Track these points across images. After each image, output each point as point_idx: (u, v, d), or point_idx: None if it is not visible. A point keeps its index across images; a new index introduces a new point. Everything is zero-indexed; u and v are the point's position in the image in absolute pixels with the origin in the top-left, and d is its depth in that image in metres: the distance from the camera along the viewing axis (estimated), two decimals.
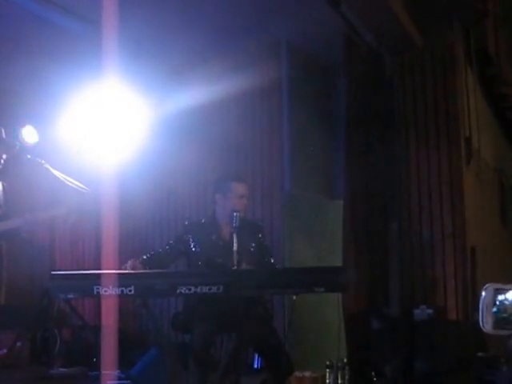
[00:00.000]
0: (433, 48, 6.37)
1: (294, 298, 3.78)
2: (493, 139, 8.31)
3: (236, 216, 3.88)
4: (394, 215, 6.17)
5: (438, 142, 6.27)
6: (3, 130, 4.37)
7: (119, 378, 4.31)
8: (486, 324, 1.96)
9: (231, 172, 5.50)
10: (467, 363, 5.50)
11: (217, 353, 3.87)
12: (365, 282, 5.99)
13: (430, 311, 5.72)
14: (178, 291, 3.47)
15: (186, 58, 6.26)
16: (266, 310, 4.09)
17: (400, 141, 6.36)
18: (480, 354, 5.69)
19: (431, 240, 6.16)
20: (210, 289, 3.44)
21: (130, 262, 3.81)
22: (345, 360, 5.49)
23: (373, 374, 5.46)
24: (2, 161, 4.37)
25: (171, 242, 4.22)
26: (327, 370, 5.42)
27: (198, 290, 3.45)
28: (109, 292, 3.39)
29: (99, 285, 3.39)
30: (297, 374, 5.05)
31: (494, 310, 1.94)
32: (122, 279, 3.44)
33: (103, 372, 3.68)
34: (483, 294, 1.97)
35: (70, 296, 3.54)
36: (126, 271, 3.69)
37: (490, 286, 1.97)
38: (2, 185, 4.51)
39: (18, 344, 5.66)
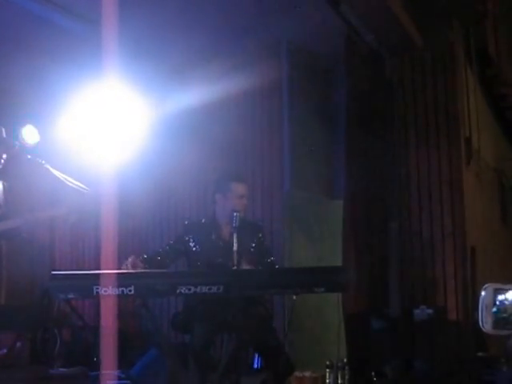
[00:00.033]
0: (433, 48, 6.38)
1: (294, 297, 3.78)
2: (493, 139, 8.32)
3: (236, 216, 3.88)
4: (393, 215, 6.17)
5: (438, 141, 6.28)
6: (3, 130, 4.37)
7: (119, 378, 4.31)
8: (486, 324, 1.96)
9: (231, 172, 5.47)
10: (467, 363, 5.50)
11: (217, 353, 3.87)
12: (365, 282, 6.00)
13: (429, 311, 5.72)
14: (178, 291, 3.47)
15: (186, 57, 6.26)
16: (266, 310, 4.08)
17: (400, 141, 6.37)
18: (480, 353, 5.69)
19: (431, 240, 6.16)
20: (209, 289, 3.43)
21: (130, 259, 3.80)
22: (345, 360, 5.49)
23: (373, 374, 5.46)
24: (2, 161, 4.37)
25: (171, 242, 4.21)
26: (327, 370, 5.42)
27: (198, 290, 3.45)
28: (108, 292, 3.39)
29: (99, 285, 3.39)
30: (297, 373, 5.05)
31: (494, 310, 1.95)
32: (122, 279, 3.44)
33: (103, 372, 3.68)
34: (482, 293, 1.97)
35: (70, 296, 3.54)
36: (126, 271, 3.68)
37: (490, 286, 1.97)
38: (2, 184, 4.51)
39: (18, 344, 5.65)
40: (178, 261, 4.27)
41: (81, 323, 5.98)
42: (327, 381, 5.41)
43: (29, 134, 4.77)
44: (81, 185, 4.35)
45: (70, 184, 4.32)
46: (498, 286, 1.98)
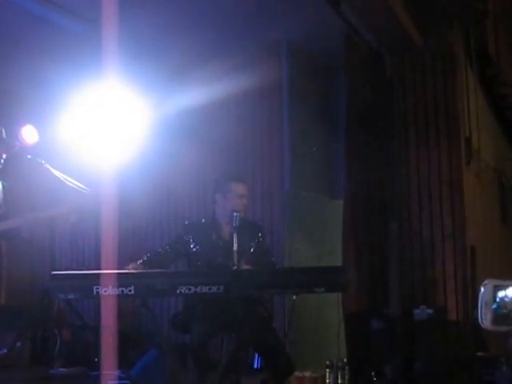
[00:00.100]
0: (433, 48, 6.37)
1: (294, 297, 3.78)
2: (493, 139, 8.32)
3: (236, 216, 3.88)
4: (394, 215, 6.17)
5: (438, 141, 6.27)
6: (3, 130, 4.37)
7: (119, 378, 4.31)
8: (485, 320, 1.97)
9: (231, 172, 5.47)
10: (467, 363, 5.50)
11: (217, 353, 3.87)
12: (365, 282, 5.99)
13: (429, 311, 5.72)
14: (178, 291, 3.47)
15: (186, 58, 6.26)
16: (266, 310, 4.08)
17: (400, 141, 6.36)
18: (480, 353, 5.69)
19: (431, 240, 6.16)
20: (210, 289, 3.44)
21: (130, 266, 3.81)
22: (345, 360, 5.49)
23: (373, 373, 5.46)
24: (2, 160, 4.36)
25: (171, 242, 4.21)
26: (327, 370, 5.42)
27: (198, 290, 3.45)
28: (109, 292, 3.39)
29: (99, 285, 3.39)
30: (297, 373, 5.05)
31: (494, 306, 1.95)
32: (122, 279, 3.44)
33: (103, 372, 3.68)
34: (482, 290, 1.98)
35: (70, 296, 3.54)
36: (126, 271, 3.68)
37: (489, 283, 1.98)
38: (2, 184, 4.50)
39: (18, 344, 5.66)
40: (178, 261, 4.27)
41: (81, 323, 5.98)
42: (327, 381, 5.41)
43: (28, 134, 4.76)
44: (81, 185, 4.35)
45: (70, 184, 4.32)
46: (498, 282, 1.98)
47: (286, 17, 5.80)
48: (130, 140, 4.99)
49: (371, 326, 5.74)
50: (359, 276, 5.90)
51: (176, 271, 4.39)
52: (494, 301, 1.95)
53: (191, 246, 4.10)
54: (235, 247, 3.76)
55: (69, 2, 5.39)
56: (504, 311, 1.95)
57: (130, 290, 3.42)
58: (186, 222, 4.24)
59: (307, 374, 5.34)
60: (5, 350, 5.52)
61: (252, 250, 4.09)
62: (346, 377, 5.40)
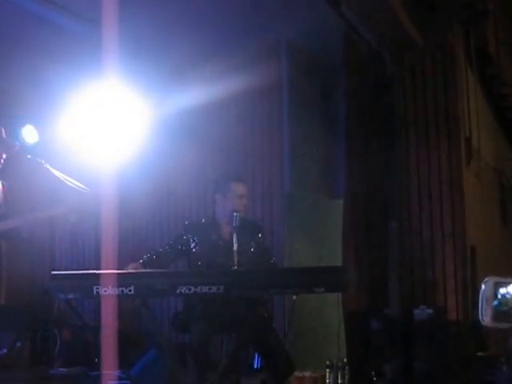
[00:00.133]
0: (433, 48, 6.37)
1: (294, 297, 3.78)
2: (493, 139, 8.32)
3: (236, 216, 3.88)
4: (393, 215, 6.16)
5: (438, 141, 6.27)
6: (3, 130, 4.36)
7: (119, 378, 4.31)
8: (485, 317, 1.96)
9: (231, 172, 5.49)
10: (467, 363, 5.50)
11: (217, 353, 3.87)
12: (365, 282, 5.99)
13: (429, 311, 5.71)
14: (177, 291, 3.47)
15: (186, 57, 6.26)
16: (266, 310, 4.08)
17: (400, 141, 6.36)
18: (480, 353, 5.69)
19: (431, 240, 6.16)
20: (210, 289, 3.44)
21: (130, 266, 3.81)
22: (345, 360, 5.49)
23: (373, 373, 5.46)
24: (2, 160, 4.36)
25: (171, 242, 4.21)
26: (327, 370, 5.42)
27: (198, 289, 3.45)
28: (109, 292, 3.39)
29: (99, 285, 3.39)
30: (297, 373, 5.05)
31: (495, 303, 1.95)
32: (122, 279, 3.44)
33: (103, 372, 3.68)
34: (483, 287, 1.98)
35: (70, 296, 3.54)
36: (126, 271, 3.68)
37: (490, 280, 1.98)
38: (2, 184, 4.50)
39: (18, 344, 5.66)
40: (178, 261, 4.27)
41: (81, 323, 5.98)
42: (327, 381, 5.41)
43: (28, 134, 4.77)
44: (81, 185, 4.35)
45: (70, 184, 4.32)
46: (499, 279, 1.98)
47: (285, 17, 5.80)
48: (130, 140, 4.99)
49: (371, 326, 5.74)
50: (359, 276, 5.90)
51: (176, 271, 4.39)
52: (495, 297, 1.95)
53: (191, 246, 4.09)
54: (235, 247, 3.76)
55: (69, 2, 5.39)
56: (505, 308, 1.95)
57: (129, 290, 3.42)
58: (186, 222, 4.24)
59: (307, 373, 5.34)
60: (5, 350, 5.52)
61: (252, 250, 4.09)
62: (346, 377, 5.40)
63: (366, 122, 6.31)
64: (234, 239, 3.78)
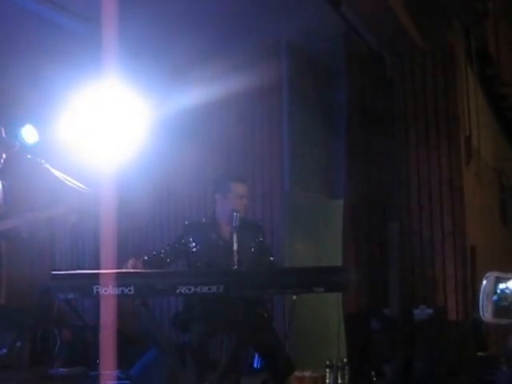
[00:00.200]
0: (433, 48, 6.37)
1: (294, 297, 3.78)
2: (493, 139, 8.32)
3: (236, 216, 3.88)
4: (393, 215, 6.16)
5: (438, 141, 6.27)
6: (3, 130, 4.37)
7: (119, 378, 4.31)
8: (486, 312, 1.96)
9: (231, 172, 5.48)
10: (467, 363, 5.50)
11: (217, 353, 3.87)
12: (365, 282, 5.99)
13: (429, 311, 5.72)
14: (177, 291, 3.46)
15: (186, 57, 6.25)
16: (266, 310, 4.08)
17: (400, 141, 6.36)
18: (480, 353, 5.69)
19: (431, 240, 6.16)
20: (210, 289, 3.43)
21: (130, 262, 3.80)
22: (345, 360, 5.49)
23: (373, 373, 5.46)
24: (2, 160, 4.36)
25: (171, 242, 4.21)
26: (327, 370, 5.42)
27: (198, 289, 3.44)
28: (108, 292, 3.38)
29: (99, 284, 3.38)
30: (297, 373, 5.05)
31: (495, 298, 1.94)
32: (122, 279, 3.44)
33: (103, 372, 3.68)
34: (484, 282, 1.97)
35: (70, 296, 3.53)
36: (126, 270, 3.68)
37: (491, 275, 1.97)
38: (2, 184, 4.50)
39: (18, 344, 5.65)
40: (178, 261, 4.27)
41: (81, 323, 5.98)
42: (327, 381, 5.41)
43: (28, 134, 4.77)
44: (80, 185, 4.35)
45: (70, 184, 4.32)
46: (500, 274, 1.98)
47: (285, 17, 5.80)
48: (130, 140, 4.99)
49: (371, 325, 5.74)
50: (359, 276, 5.90)
51: (176, 271, 4.39)
52: (495, 293, 1.95)
53: (191, 246, 4.09)
54: (235, 247, 3.76)
55: (69, 2, 5.39)
56: (505, 303, 1.95)
57: (129, 290, 3.42)
58: (186, 222, 4.24)
59: (307, 373, 5.34)
60: (5, 350, 5.52)
61: (252, 250, 4.09)
62: (346, 377, 5.40)
63: (366, 122, 6.30)
64: (234, 239, 3.78)
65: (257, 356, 5.25)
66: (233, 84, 6.01)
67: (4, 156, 4.37)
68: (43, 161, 4.33)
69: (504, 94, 8.27)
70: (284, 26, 5.98)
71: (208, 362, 3.81)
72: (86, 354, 5.72)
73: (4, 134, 4.37)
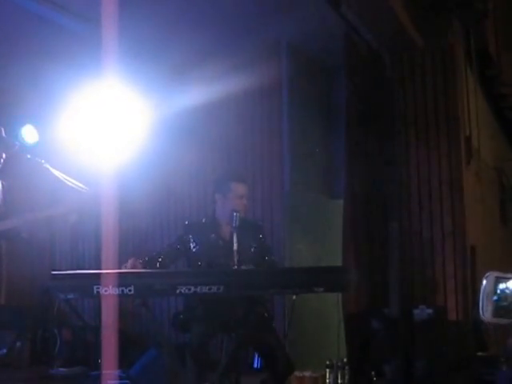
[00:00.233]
0: (433, 48, 6.37)
1: (294, 297, 3.78)
2: (493, 139, 8.32)
3: (236, 216, 3.88)
4: (393, 215, 6.16)
5: (438, 141, 6.27)
6: (3, 130, 4.37)
7: (119, 378, 4.31)
8: (486, 312, 1.95)
9: (231, 172, 5.47)
10: (467, 363, 5.50)
11: (217, 353, 3.87)
12: (365, 282, 5.99)
13: (429, 311, 5.72)
14: (177, 291, 3.46)
15: (186, 57, 6.25)
16: (266, 310, 4.08)
17: (400, 141, 6.36)
18: (480, 353, 5.69)
19: (431, 240, 6.16)
20: (210, 289, 3.43)
21: (130, 262, 3.80)
22: (345, 360, 5.49)
23: (373, 373, 5.46)
24: (2, 160, 4.36)
25: (171, 242, 4.21)
26: (327, 370, 5.42)
27: (198, 290, 3.44)
28: (109, 292, 3.38)
29: (99, 285, 3.38)
30: (297, 373, 5.05)
31: (495, 298, 1.94)
32: (122, 279, 3.43)
33: (103, 372, 3.68)
34: (484, 282, 1.97)
35: (70, 296, 3.53)
36: (126, 270, 3.68)
37: (491, 275, 1.97)
38: (2, 184, 4.50)
39: (18, 344, 5.66)
40: (179, 261, 4.27)
41: (81, 323, 5.98)
42: (327, 381, 5.41)
43: (28, 134, 4.77)
44: (80, 185, 4.35)
45: (70, 184, 4.32)
46: (500, 274, 1.97)
47: (285, 17, 5.80)
48: (130, 140, 4.99)
49: (371, 325, 5.74)
50: (359, 276, 5.90)
51: (176, 271, 4.38)
52: (495, 293, 1.94)
53: (191, 246, 4.09)
54: (235, 247, 3.76)
55: (69, 2, 5.39)
56: (505, 303, 1.94)
57: (129, 290, 3.42)
58: (186, 222, 4.24)
59: (307, 373, 5.34)
60: (5, 350, 5.52)
61: (252, 250, 4.09)
62: (346, 377, 5.40)
63: (366, 122, 6.31)
64: (234, 239, 3.78)
65: (257, 356, 5.26)
66: (233, 84, 6.01)
67: (4, 156, 4.37)
68: (43, 161, 4.33)
69: (504, 94, 8.27)
70: (284, 26, 5.98)
71: (208, 361, 3.81)
72: (86, 354, 5.73)
73: (4, 134, 4.37)
